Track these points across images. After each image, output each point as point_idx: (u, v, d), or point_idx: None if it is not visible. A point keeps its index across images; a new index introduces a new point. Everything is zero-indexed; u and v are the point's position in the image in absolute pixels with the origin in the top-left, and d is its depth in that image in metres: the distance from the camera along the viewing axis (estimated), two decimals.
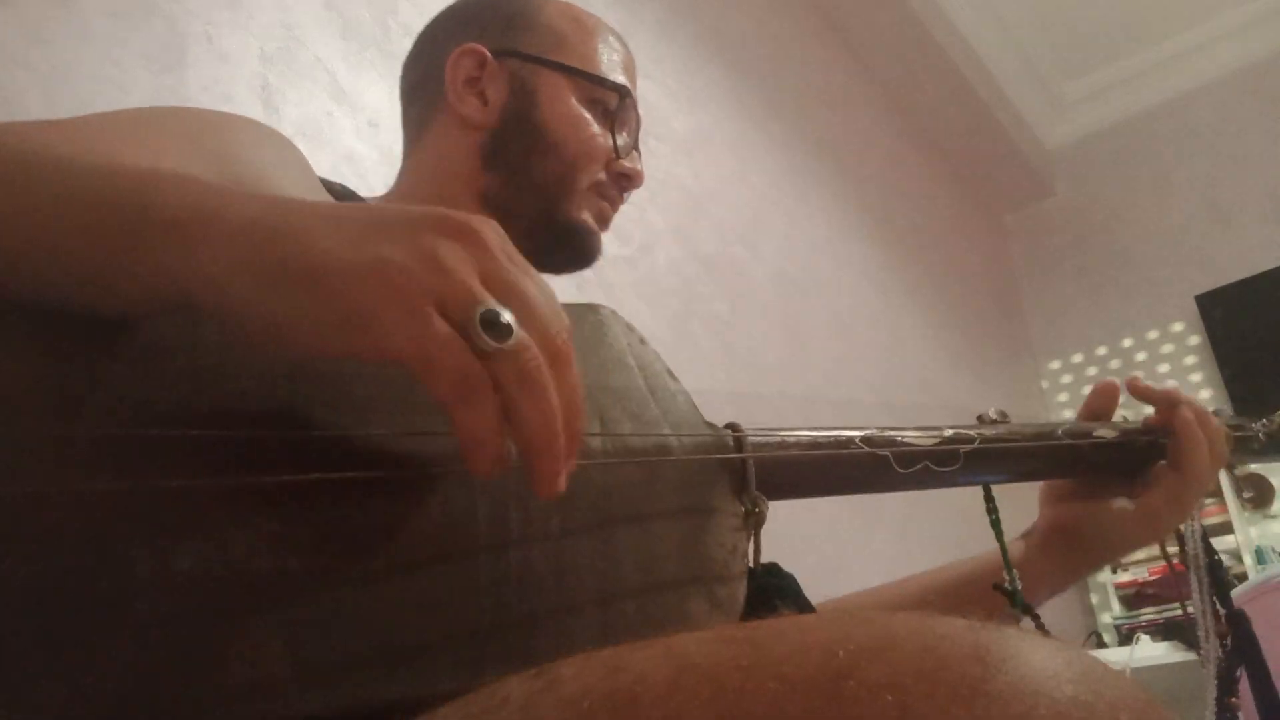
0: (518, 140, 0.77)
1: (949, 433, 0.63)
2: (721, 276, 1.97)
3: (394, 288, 0.32)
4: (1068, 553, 0.76)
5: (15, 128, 0.40)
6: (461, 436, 0.33)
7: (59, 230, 0.35)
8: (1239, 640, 0.75)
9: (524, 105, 0.77)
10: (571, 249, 0.78)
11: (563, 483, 0.35)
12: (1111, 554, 0.78)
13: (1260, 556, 2.56)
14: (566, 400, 0.35)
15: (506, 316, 0.33)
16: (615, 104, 0.79)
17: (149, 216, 0.34)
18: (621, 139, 0.79)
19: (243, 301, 0.33)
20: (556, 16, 0.81)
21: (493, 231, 0.36)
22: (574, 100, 0.77)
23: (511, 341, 0.33)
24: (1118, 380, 0.82)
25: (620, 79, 0.80)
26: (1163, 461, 0.76)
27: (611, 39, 0.83)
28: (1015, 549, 0.76)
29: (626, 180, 0.80)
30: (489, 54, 0.78)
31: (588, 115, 0.78)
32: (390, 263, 0.33)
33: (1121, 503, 0.75)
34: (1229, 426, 0.83)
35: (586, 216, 0.77)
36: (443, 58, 0.79)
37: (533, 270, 0.36)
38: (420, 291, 0.32)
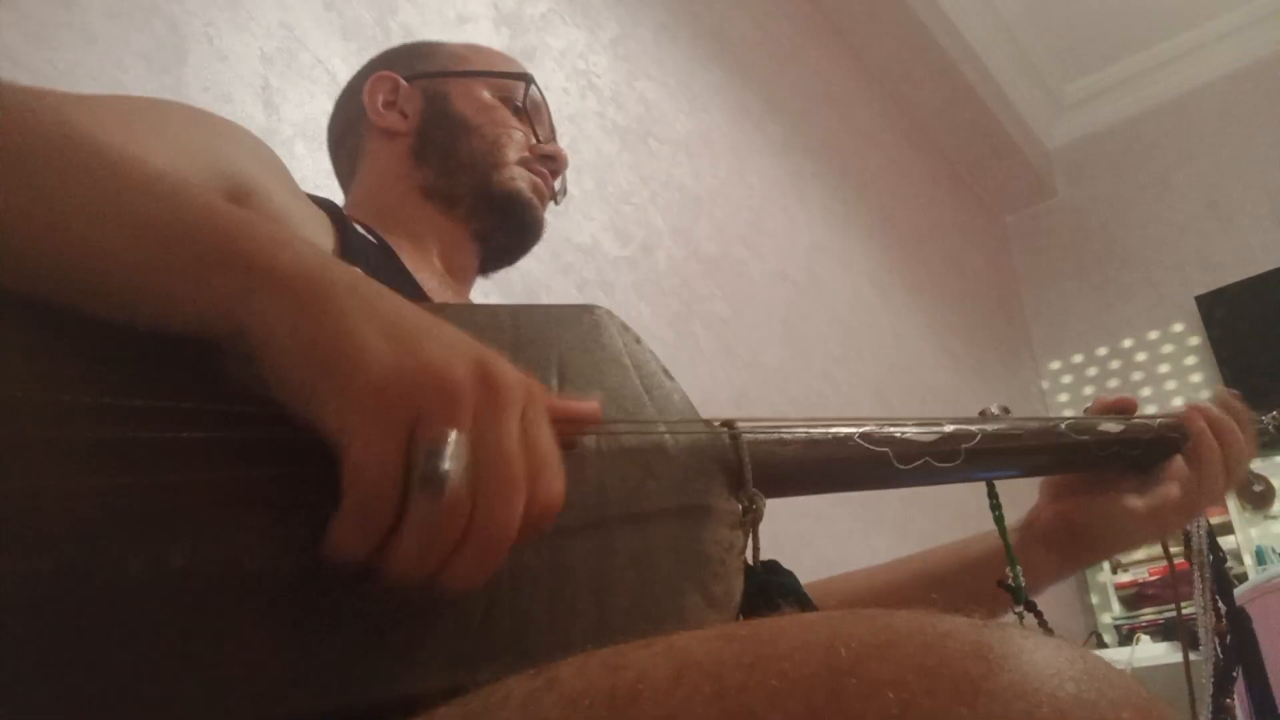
0: (440, 132, 0.83)
1: (950, 428, 0.63)
2: (721, 276, 1.97)
3: (395, 419, 0.33)
4: (1071, 546, 0.76)
5: (54, 105, 0.40)
6: (335, 533, 0.33)
7: (126, 247, 0.35)
8: (1238, 639, 0.74)
9: (440, 105, 0.84)
10: (514, 219, 0.83)
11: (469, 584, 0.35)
12: (1116, 549, 0.78)
13: (1260, 556, 2.56)
14: (470, 553, 0.35)
15: (451, 474, 0.33)
16: (522, 94, 0.85)
17: (225, 254, 0.35)
18: (539, 127, 0.85)
19: (275, 356, 0.34)
20: (457, 47, 0.90)
21: (524, 390, 0.37)
22: (484, 92, 0.84)
23: (437, 501, 0.33)
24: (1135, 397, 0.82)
25: (520, 69, 0.87)
26: (1178, 458, 0.76)
27: (508, 57, 0.91)
28: (1014, 538, 0.76)
29: (551, 161, 0.85)
30: (401, 79, 0.85)
31: (498, 102, 0.84)
32: (410, 403, 0.34)
33: (1132, 500, 0.75)
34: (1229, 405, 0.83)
35: (521, 185, 0.82)
36: (360, 95, 0.86)
37: (547, 437, 0.37)
38: (409, 401, 0.34)
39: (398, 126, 0.83)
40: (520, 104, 0.85)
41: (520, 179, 0.82)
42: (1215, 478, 0.74)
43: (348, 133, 0.89)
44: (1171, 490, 0.74)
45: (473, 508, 0.34)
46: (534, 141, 0.84)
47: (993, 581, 0.70)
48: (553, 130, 0.89)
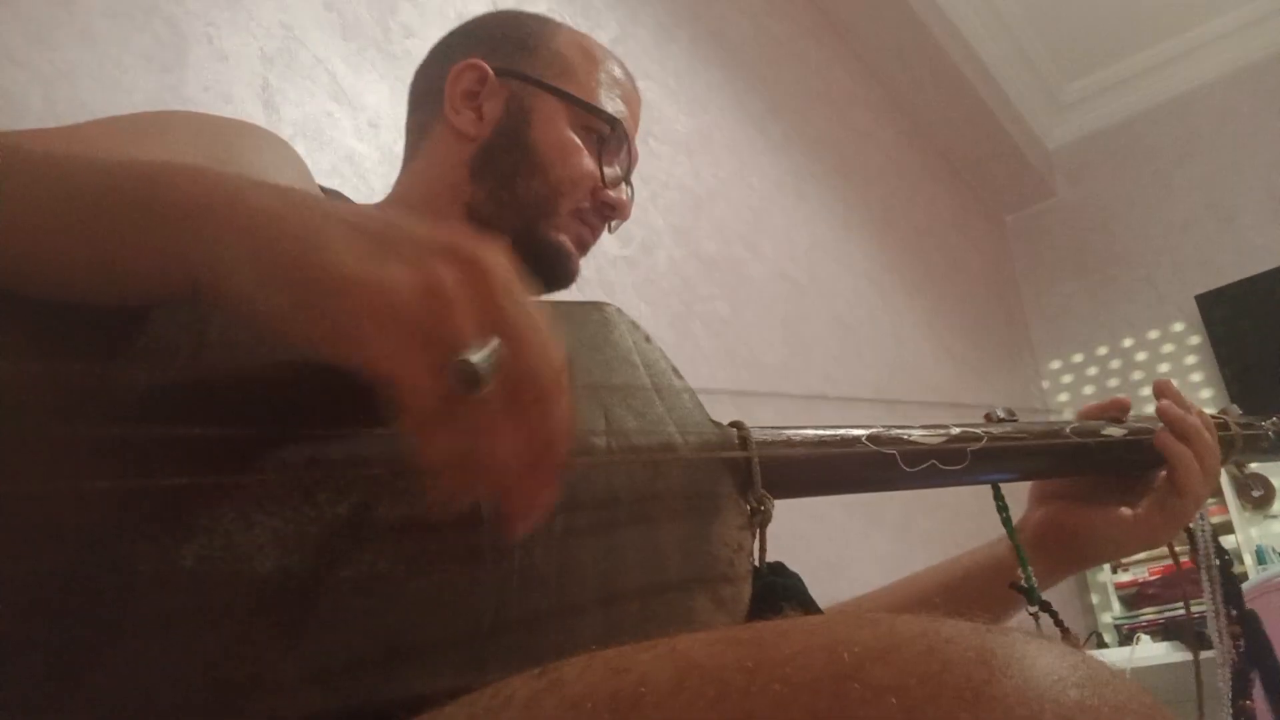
0: (506, 156, 0.78)
1: (956, 431, 0.63)
2: (722, 276, 1.96)
3: (389, 311, 0.33)
4: (1061, 553, 0.76)
5: (13, 136, 0.41)
6: (424, 463, 0.33)
7: (68, 221, 0.35)
8: (1251, 640, 0.74)
9: (517, 124, 0.78)
10: (548, 269, 0.79)
11: (526, 526, 0.35)
12: (1106, 558, 0.78)
13: (1260, 556, 2.56)
14: (541, 441, 0.35)
15: (483, 365, 0.33)
16: (608, 133, 0.80)
17: (160, 203, 0.35)
18: (610, 169, 0.80)
19: (246, 293, 0.33)
20: (566, 45, 0.83)
21: (499, 264, 0.36)
22: (567, 126, 0.79)
23: (477, 394, 0.33)
24: (1128, 397, 0.81)
25: (618, 110, 0.81)
26: (1164, 470, 0.75)
27: (616, 70, 0.84)
28: (1004, 545, 0.76)
29: (610, 210, 0.80)
30: (491, 71, 0.80)
31: (579, 142, 0.79)
32: (392, 285, 0.33)
33: (1123, 509, 0.74)
34: (1238, 425, 0.82)
35: (565, 239, 0.78)
36: (447, 70, 0.81)
37: (532, 305, 0.37)
38: (412, 321, 0.33)
39: (469, 130, 0.79)
40: (604, 136, 0.79)
41: (566, 231, 0.78)
42: (1188, 477, 0.73)
43: (424, 102, 0.84)
44: (1157, 499, 0.74)
45: (515, 387, 0.34)
46: (600, 182, 0.79)
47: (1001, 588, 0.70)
48: (628, 177, 0.83)
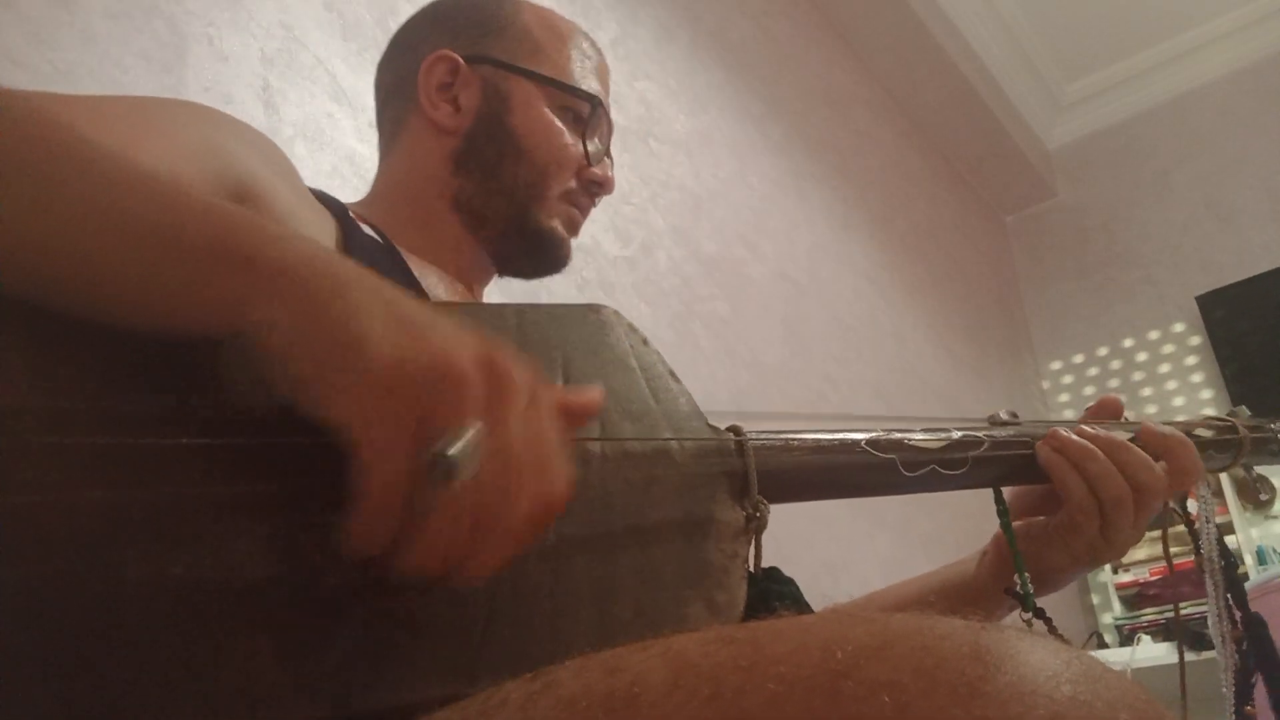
0: (490, 146, 0.77)
1: (957, 435, 0.62)
2: (722, 277, 1.96)
3: (398, 384, 0.34)
4: (1033, 568, 0.70)
5: (47, 107, 0.39)
6: (352, 529, 0.34)
7: (121, 252, 0.35)
8: (1256, 644, 0.73)
9: (496, 111, 0.78)
10: (541, 255, 0.80)
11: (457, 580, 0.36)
12: (1056, 585, 0.72)
13: (1261, 556, 2.56)
14: (496, 532, 0.35)
15: (461, 458, 0.33)
16: (587, 112, 0.79)
17: (225, 253, 0.35)
18: (593, 146, 0.79)
19: (278, 354, 0.34)
20: (530, 22, 0.82)
21: (524, 382, 0.37)
22: (546, 108, 0.78)
23: (447, 488, 0.33)
24: (1121, 397, 0.78)
25: (593, 87, 0.81)
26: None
27: (585, 45, 0.83)
28: (966, 567, 0.75)
29: (597, 187, 0.81)
30: (462, 61, 0.79)
31: (559, 123, 0.78)
32: (414, 361, 0.34)
33: (1051, 525, 0.69)
34: (1247, 427, 0.81)
35: (556, 224, 0.78)
36: (416, 62, 0.80)
37: (545, 429, 0.37)
38: (413, 399, 0.34)
39: (447, 123, 0.78)
40: (584, 116, 0.79)
41: (558, 215, 0.78)
42: (1074, 497, 0.65)
43: (395, 95, 0.82)
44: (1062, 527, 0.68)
45: (483, 498, 0.34)
46: (585, 161, 0.79)
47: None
48: (608, 150, 0.83)
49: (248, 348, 0.35)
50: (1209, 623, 0.76)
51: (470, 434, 0.33)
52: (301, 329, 0.34)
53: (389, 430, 0.33)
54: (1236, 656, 0.74)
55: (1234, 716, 0.73)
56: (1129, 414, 0.80)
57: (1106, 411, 0.76)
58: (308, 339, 0.34)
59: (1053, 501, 0.68)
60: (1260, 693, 0.74)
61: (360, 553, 0.34)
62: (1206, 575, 0.77)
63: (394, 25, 1.47)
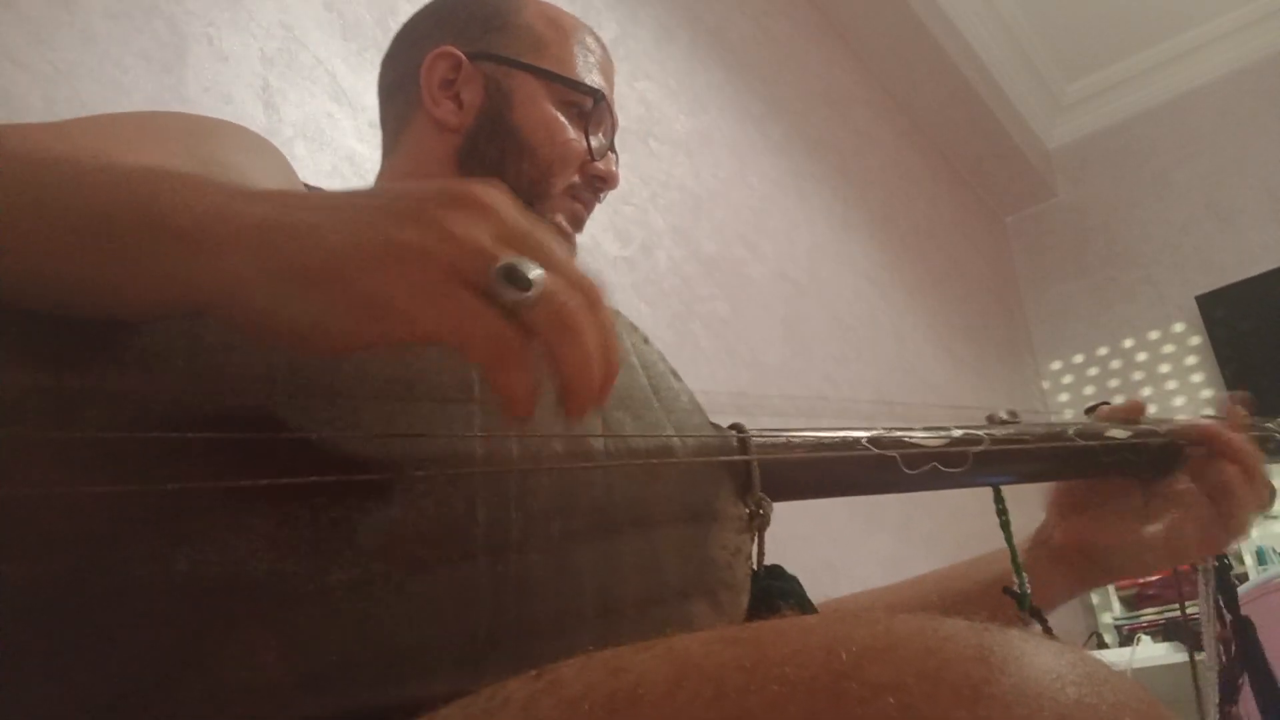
0: (493, 143, 0.77)
1: (958, 433, 0.62)
2: (722, 277, 1.96)
3: (411, 269, 0.32)
4: (1084, 567, 0.74)
5: (11, 130, 0.39)
6: (499, 395, 0.33)
7: (69, 237, 0.34)
8: (1242, 647, 0.73)
9: (499, 108, 0.77)
10: None
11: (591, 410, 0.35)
12: (1129, 574, 0.75)
13: (1261, 556, 2.56)
14: (600, 337, 0.35)
15: (526, 266, 0.32)
16: (590, 107, 0.79)
17: (160, 225, 0.34)
18: (596, 141, 0.79)
19: (263, 309, 0.33)
20: (533, 18, 0.81)
21: (497, 193, 0.36)
22: (549, 104, 0.78)
23: (536, 289, 0.33)
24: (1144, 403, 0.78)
25: (596, 82, 0.80)
26: (1193, 485, 0.72)
27: (588, 40, 0.83)
28: (1025, 557, 0.73)
29: (601, 182, 0.80)
30: (464, 57, 0.78)
31: (562, 119, 0.78)
32: (402, 244, 0.32)
33: (1148, 527, 0.72)
34: (1246, 426, 0.81)
35: (561, 220, 0.78)
36: (419, 59, 0.79)
37: (543, 224, 0.36)
38: (437, 267, 0.32)
39: (450, 120, 0.77)
40: (587, 111, 0.79)
41: (561, 210, 0.78)
42: (1240, 510, 0.70)
43: (397, 93, 0.82)
44: (1189, 519, 0.71)
45: (564, 298, 0.34)
46: (588, 157, 0.78)
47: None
48: (612, 144, 0.82)
49: (224, 317, 0.34)
50: (1201, 623, 0.76)
51: (505, 257, 0.33)
52: (270, 273, 0.32)
53: (440, 300, 0.32)
54: (1221, 659, 0.74)
55: (1217, 715, 0.73)
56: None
57: (1134, 415, 0.76)
58: (282, 279, 0.32)
59: (1099, 496, 0.72)
60: (1247, 694, 0.74)
61: (528, 406, 0.33)
62: (1200, 575, 0.77)
63: (394, 25, 1.47)
